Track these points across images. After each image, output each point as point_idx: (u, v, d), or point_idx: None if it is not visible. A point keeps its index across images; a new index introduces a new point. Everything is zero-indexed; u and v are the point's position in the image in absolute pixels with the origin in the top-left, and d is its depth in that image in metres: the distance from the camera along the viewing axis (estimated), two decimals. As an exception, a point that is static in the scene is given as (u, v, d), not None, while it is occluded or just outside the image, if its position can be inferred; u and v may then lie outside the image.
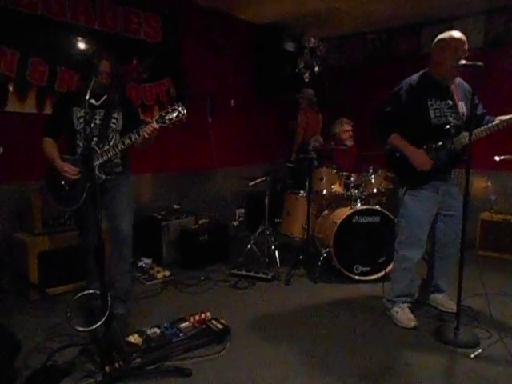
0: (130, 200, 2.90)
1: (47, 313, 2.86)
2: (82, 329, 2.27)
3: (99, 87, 2.62)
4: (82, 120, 2.65)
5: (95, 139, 2.68)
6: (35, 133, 3.40)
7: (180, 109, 2.50)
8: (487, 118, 2.68)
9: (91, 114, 2.59)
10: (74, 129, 2.67)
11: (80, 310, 2.87)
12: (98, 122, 2.70)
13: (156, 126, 2.52)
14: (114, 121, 2.76)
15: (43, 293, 3.09)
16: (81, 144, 2.69)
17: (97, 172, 2.63)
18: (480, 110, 2.74)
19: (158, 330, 2.47)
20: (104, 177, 2.68)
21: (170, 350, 2.33)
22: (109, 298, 1.99)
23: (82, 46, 3.64)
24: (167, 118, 2.51)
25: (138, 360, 2.20)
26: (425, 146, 2.63)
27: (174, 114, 2.50)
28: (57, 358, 2.26)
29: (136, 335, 2.40)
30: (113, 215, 2.81)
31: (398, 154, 2.75)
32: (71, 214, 3.07)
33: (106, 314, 1.96)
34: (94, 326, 2.03)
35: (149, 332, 2.45)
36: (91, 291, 2.27)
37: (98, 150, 2.64)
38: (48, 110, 3.48)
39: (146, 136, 2.54)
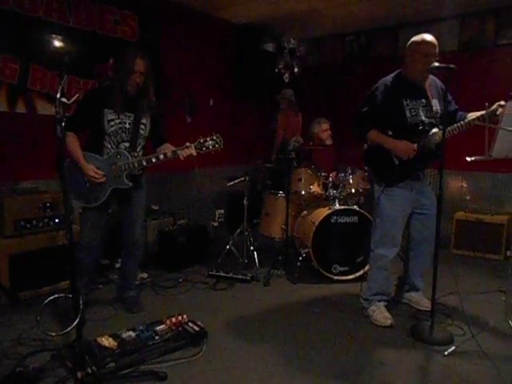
0: (144, 205, 2.98)
1: (18, 318, 2.78)
2: (52, 333, 2.21)
3: (132, 89, 2.63)
4: (112, 123, 2.65)
5: (126, 144, 2.70)
6: (6, 132, 3.33)
7: (218, 140, 2.63)
8: (460, 113, 2.75)
9: (121, 115, 2.65)
10: (104, 131, 2.65)
11: (53, 314, 2.79)
12: (127, 126, 2.69)
13: (194, 152, 2.61)
14: (142, 126, 2.76)
15: (14, 297, 2.99)
16: (109, 146, 2.68)
17: (124, 179, 2.68)
18: (452, 106, 2.81)
19: (133, 333, 2.42)
20: (130, 184, 2.71)
21: (146, 353, 2.29)
22: (81, 302, 1.94)
23: (56, 43, 3.55)
24: (205, 145, 2.63)
25: (112, 364, 2.15)
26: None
27: (211, 144, 2.63)
28: (27, 364, 2.19)
29: (110, 339, 2.34)
30: (131, 220, 2.89)
31: (375, 155, 2.77)
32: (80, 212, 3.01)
33: (78, 318, 1.91)
34: (66, 331, 1.97)
35: (124, 335, 2.40)
36: (62, 295, 2.21)
37: (129, 157, 2.66)
38: (20, 109, 3.40)
39: (182, 158, 2.64)
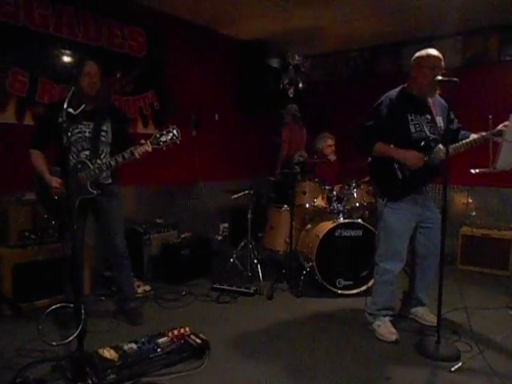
0: (121, 212, 2.92)
1: (20, 328, 2.77)
2: (54, 343, 2.19)
3: (86, 95, 2.62)
4: (72, 133, 2.64)
5: (87, 153, 2.69)
6: (14, 144, 3.37)
7: (174, 131, 2.56)
8: (462, 132, 2.74)
9: (69, 125, 2.55)
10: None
11: (55, 325, 2.78)
12: (87, 134, 2.69)
13: (149, 148, 2.56)
14: (103, 133, 2.76)
15: (17, 307, 2.98)
16: (71, 157, 2.68)
17: (89, 188, 2.65)
18: (455, 124, 2.81)
19: (134, 346, 2.40)
20: (95, 192, 2.68)
21: (147, 365, 2.26)
22: (82, 312, 1.93)
23: (64, 57, 3.62)
24: (162, 139, 2.55)
25: (113, 376, 2.13)
26: None
27: (169, 137, 2.55)
28: (28, 375, 2.17)
29: (112, 350, 2.32)
30: (106, 230, 2.86)
31: (379, 169, 2.78)
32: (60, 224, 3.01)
33: (80, 327, 1.90)
34: (67, 340, 1.96)
35: (125, 347, 2.37)
36: (64, 304, 2.21)
37: (90, 165, 2.64)
38: (28, 121, 3.45)
39: (138, 157, 2.57)
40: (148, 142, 2.57)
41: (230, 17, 4.53)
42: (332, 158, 4.45)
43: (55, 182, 2.61)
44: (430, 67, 2.58)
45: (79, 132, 2.69)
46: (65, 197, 2.58)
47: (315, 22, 4.61)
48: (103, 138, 2.75)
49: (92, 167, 2.63)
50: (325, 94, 5.81)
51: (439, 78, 2.47)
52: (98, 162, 2.66)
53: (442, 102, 2.80)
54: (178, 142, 2.57)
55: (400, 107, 2.68)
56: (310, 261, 3.62)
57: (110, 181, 2.82)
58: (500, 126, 2.40)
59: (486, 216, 4.66)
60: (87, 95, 2.67)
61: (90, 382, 2.01)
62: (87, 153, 2.70)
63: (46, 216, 2.98)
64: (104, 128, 2.76)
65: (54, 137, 2.63)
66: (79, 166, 2.66)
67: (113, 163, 2.61)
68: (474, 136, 2.60)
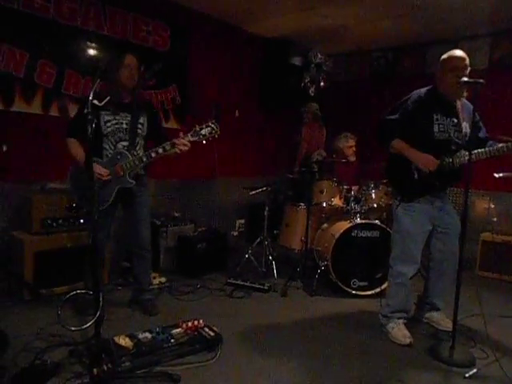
0: (149, 205, 3.00)
1: (39, 313, 2.84)
2: (73, 328, 2.25)
3: (124, 87, 2.69)
4: (109, 124, 2.72)
5: (125, 143, 2.76)
6: (39, 134, 3.47)
7: (214, 126, 2.61)
8: (490, 142, 2.68)
9: (117, 117, 2.70)
10: (102, 132, 2.72)
11: (73, 311, 2.85)
12: (124, 126, 2.76)
13: (189, 140, 2.61)
14: (140, 126, 2.83)
15: (37, 293, 3.07)
16: (108, 147, 2.75)
17: (128, 178, 2.72)
18: (483, 133, 2.75)
19: (149, 335, 2.45)
20: (134, 182, 2.75)
21: (161, 355, 2.30)
22: (101, 299, 1.98)
23: (90, 50, 3.70)
24: (201, 133, 2.61)
25: (127, 364, 2.17)
26: None
27: (208, 130, 2.60)
28: (46, 358, 2.24)
29: (127, 338, 2.37)
30: (135, 221, 2.92)
31: (396, 168, 2.75)
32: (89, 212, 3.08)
33: (97, 314, 1.94)
34: (85, 326, 2.01)
35: (140, 336, 2.42)
36: (83, 291, 2.26)
37: (129, 156, 2.71)
38: (54, 112, 3.53)
39: (178, 149, 2.62)
40: (189, 134, 2.62)
41: (253, 14, 4.54)
42: (352, 159, 4.42)
43: (98, 168, 2.65)
44: (451, 69, 2.54)
45: (116, 123, 2.75)
46: (102, 185, 2.68)
47: (339, 21, 4.57)
48: (139, 131, 2.82)
49: (132, 158, 2.70)
50: (346, 94, 5.77)
51: (465, 79, 2.42)
52: (137, 153, 2.73)
53: (470, 106, 2.75)
54: (216, 136, 2.62)
55: (427, 105, 2.64)
56: (325, 260, 3.61)
57: (143, 172, 2.88)
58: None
59: (507, 222, 4.55)
60: (126, 87, 2.75)
61: (105, 367, 2.05)
62: (125, 143, 2.76)
63: (76, 204, 3.08)
64: (141, 121, 2.82)
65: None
66: (118, 156, 2.72)
67: (153, 155, 2.67)
68: (500, 145, 2.54)
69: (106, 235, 2.87)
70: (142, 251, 2.99)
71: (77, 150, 2.72)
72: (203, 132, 2.60)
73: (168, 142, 2.64)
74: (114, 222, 2.96)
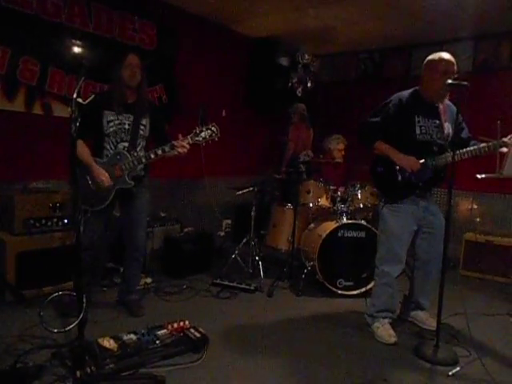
0: (148, 207, 2.99)
1: (22, 315, 2.78)
2: (55, 330, 2.21)
3: (128, 86, 2.69)
4: (112, 124, 2.71)
5: (125, 144, 2.75)
6: (22, 132, 3.40)
7: (214, 129, 2.63)
8: (472, 142, 2.72)
9: (120, 117, 2.69)
10: (103, 132, 2.70)
11: (56, 313, 2.80)
12: (126, 126, 2.74)
13: (189, 142, 2.61)
14: (142, 127, 2.81)
15: (19, 294, 3.01)
16: (109, 147, 2.73)
17: (127, 178, 2.71)
18: (465, 133, 2.80)
19: (134, 336, 2.42)
20: (133, 183, 2.74)
21: (146, 356, 2.28)
22: (84, 300, 1.95)
23: (75, 48, 3.64)
24: (201, 135, 2.62)
25: (112, 366, 2.14)
26: None
27: (208, 133, 2.62)
28: (28, 361, 2.19)
29: (111, 340, 2.34)
30: (131, 222, 2.90)
31: (380, 169, 2.78)
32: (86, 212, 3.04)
33: (81, 316, 1.91)
34: (68, 328, 1.98)
35: (125, 338, 2.39)
36: (66, 292, 2.23)
37: (128, 156, 2.70)
38: (37, 110, 3.47)
39: (177, 152, 2.62)
40: (188, 137, 2.62)
41: (241, 14, 4.53)
42: (339, 160, 4.44)
43: (104, 175, 2.66)
44: (441, 72, 2.56)
45: (119, 123, 2.73)
46: (104, 186, 2.67)
47: (326, 22, 4.59)
48: (142, 132, 2.80)
49: (131, 158, 2.68)
50: (333, 95, 5.80)
51: (449, 81, 2.45)
52: (136, 154, 2.72)
53: (453, 108, 2.78)
54: (216, 139, 2.64)
55: (409, 108, 2.67)
56: (312, 260, 3.62)
57: (143, 173, 2.86)
58: (507, 138, 2.39)
59: (490, 222, 4.64)
60: (129, 86, 2.73)
61: (88, 370, 2.02)
62: (126, 144, 2.75)
63: (59, 204, 3.03)
64: (143, 122, 2.81)
65: (95, 126, 2.69)
66: (118, 156, 2.70)
67: (152, 156, 2.66)
68: (482, 145, 2.58)
69: (101, 235, 2.84)
70: (135, 253, 2.96)
71: (85, 153, 2.69)
72: (203, 135, 2.62)
73: (168, 144, 2.64)
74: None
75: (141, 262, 3.05)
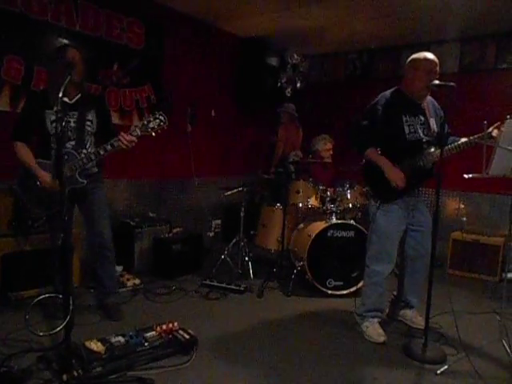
0: (106, 202, 2.89)
1: (7, 318, 2.74)
2: (41, 333, 2.17)
3: (71, 84, 2.50)
4: (55, 123, 2.58)
5: (72, 143, 2.64)
6: (7, 131, 3.33)
7: (161, 117, 2.52)
8: (452, 138, 2.73)
9: (64, 114, 2.53)
10: (48, 132, 2.61)
11: (42, 316, 2.76)
12: (72, 124, 2.64)
13: (138, 135, 2.52)
14: (88, 123, 2.71)
15: (4, 297, 2.95)
16: (55, 147, 2.60)
17: (78, 178, 2.62)
18: (446, 128, 2.82)
19: (122, 339, 2.39)
20: (85, 181, 2.65)
21: (134, 359, 2.25)
22: (71, 302, 1.91)
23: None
24: (150, 126, 2.52)
25: (99, 369, 2.11)
26: (400, 165, 2.68)
27: (156, 123, 2.52)
28: (13, 365, 2.15)
29: (99, 343, 2.30)
30: (92, 220, 2.81)
31: (372, 171, 2.79)
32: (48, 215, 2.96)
33: (67, 318, 1.88)
34: (54, 331, 1.94)
35: (113, 340, 2.36)
36: (52, 295, 2.19)
37: (76, 155, 2.61)
38: (22, 109, 3.41)
39: (124, 147, 2.52)
40: (137, 128, 2.53)
41: (230, 13, 4.51)
42: (327, 160, 4.45)
43: (48, 177, 2.57)
44: (426, 71, 2.59)
45: (64, 122, 2.64)
46: (55, 188, 2.57)
47: (316, 22, 4.60)
48: (88, 128, 2.71)
49: (79, 157, 2.59)
50: (322, 95, 5.82)
51: (436, 82, 2.48)
52: (85, 151, 2.62)
53: (436, 104, 2.82)
54: (165, 127, 2.53)
55: (395, 108, 2.69)
56: (301, 260, 3.62)
57: (96, 169, 2.79)
58: (491, 129, 2.42)
59: (476, 221, 4.70)
60: (72, 82, 2.53)
61: (75, 373, 1.99)
62: (73, 143, 2.64)
63: (27, 208, 2.92)
64: (89, 117, 2.71)
65: (38, 127, 2.59)
66: (66, 156, 2.59)
67: (102, 152, 2.57)
68: (463, 140, 2.60)
69: (69, 238, 2.75)
70: (103, 250, 2.85)
71: (27, 155, 2.60)
72: (151, 125, 2.51)
73: (116, 138, 2.53)
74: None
75: (112, 260, 2.93)
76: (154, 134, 2.53)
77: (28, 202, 2.66)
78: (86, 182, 2.65)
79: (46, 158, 2.63)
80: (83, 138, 2.68)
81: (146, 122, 2.52)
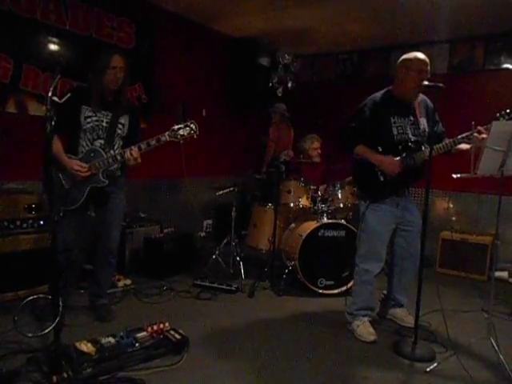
0: (123, 209, 2.91)
1: (-5, 319, 2.71)
2: (30, 334, 2.15)
3: (107, 88, 2.61)
4: (89, 120, 2.63)
5: (101, 141, 2.67)
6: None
7: (193, 126, 2.56)
8: (446, 139, 2.77)
9: (98, 114, 2.61)
10: (80, 127, 2.62)
11: (31, 317, 2.72)
12: (104, 124, 2.67)
13: (167, 140, 2.55)
14: (120, 126, 2.74)
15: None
16: (84, 144, 2.65)
17: (101, 177, 2.63)
18: (440, 128, 2.85)
19: (112, 340, 2.37)
20: (107, 182, 2.65)
21: (125, 360, 2.24)
22: (60, 304, 1.90)
23: (51, 45, 3.55)
24: (179, 133, 2.54)
25: (89, 370, 2.10)
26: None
27: (187, 131, 2.54)
28: (1, 366, 2.12)
29: (89, 344, 2.29)
30: (106, 225, 2.82)
31: (361, 171, 2.82)
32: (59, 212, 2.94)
33: (57, 319, 1.87)
34: (43, 332, 1.93)
35: (103, 341, 2.34)
36: (42, 295, 2.17)
37: (104, 154, 2.62)
38: (11, 109, 3.37)
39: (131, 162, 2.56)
40: (166, 134, 2.55)
41: (221, 13, 4.51)
42: (316, 160, 4.47)
43: (76, 164, 2.56)
44: (416, 71, 2.61)
45: (97, 120, 2.65)
46: (75, 184, 2.59)
47: (307, 23, 4.62)
48: (119, 131, 2.73)
49: (106, 156, 2.61)
50: (313, 95, 5.84)
51: (426, 82, 2.50)
52: (112, 152, 2.64)
53: (428, 102, 2.83)
54: (195, 136, 2.57)
55: (383, 110, 2.71)
56: (293, 260, 3.63)
57: (119, 173, 2.79)
58: (474, 130, 2.46)
59: (465, 221, 4.77)
60: (108, 89, 2.64)
61: (65, 375, 1.98)
62: (102, 142, 2.66)
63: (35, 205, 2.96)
64: (122, 121, 2.74)
65: (72, 121, 2.61)
66: (92, 154, 2.62)
67: (118, 157, 2.60)
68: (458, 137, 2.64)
69: (75, 236, 2.76)
70: (109, 256, 2.89)
71: (56, 146, 2.57)
72: (181, 132, 2.54)
73: (144, 142, 2.57)
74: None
75: (114, 265, 2.97)
76: (181, 141, 2.55)
77: (51, 197, 2.66)
78: (107, 182, 2.66)
79: (74, 153, 2.65)
80: (113, 138, 2.70)
81: (176, 129, 2.54)
